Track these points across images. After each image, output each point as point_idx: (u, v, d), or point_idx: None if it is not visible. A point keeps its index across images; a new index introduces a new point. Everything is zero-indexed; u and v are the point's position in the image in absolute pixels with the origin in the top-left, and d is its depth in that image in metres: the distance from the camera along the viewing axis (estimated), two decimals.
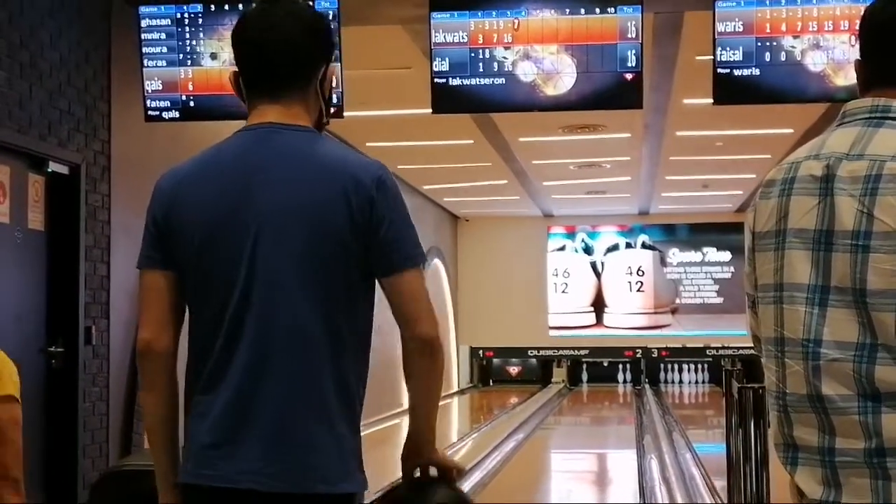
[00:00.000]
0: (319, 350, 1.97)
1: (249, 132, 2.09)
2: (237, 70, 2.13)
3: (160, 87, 5.89)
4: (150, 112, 5.94)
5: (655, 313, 18.52)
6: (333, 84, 2.19)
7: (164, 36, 5.85)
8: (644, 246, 18.64)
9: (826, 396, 1.78)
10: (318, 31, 2.12)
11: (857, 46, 1.98)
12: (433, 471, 2.14)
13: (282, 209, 1.98)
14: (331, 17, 5.68)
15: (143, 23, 5.87)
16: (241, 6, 5.78)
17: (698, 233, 18.39)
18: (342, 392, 2.01)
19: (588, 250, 18.80)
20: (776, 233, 1.88)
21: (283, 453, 1.96)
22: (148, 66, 5.88)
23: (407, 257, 2.01)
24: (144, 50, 5.87)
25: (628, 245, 18.64)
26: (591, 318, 18.65)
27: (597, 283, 18.72)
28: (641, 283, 18.56)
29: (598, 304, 18.68)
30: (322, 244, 1.97)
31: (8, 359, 2.65)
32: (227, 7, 5.81)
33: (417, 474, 2.15)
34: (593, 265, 18.77)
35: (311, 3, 1.98)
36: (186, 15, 5.83)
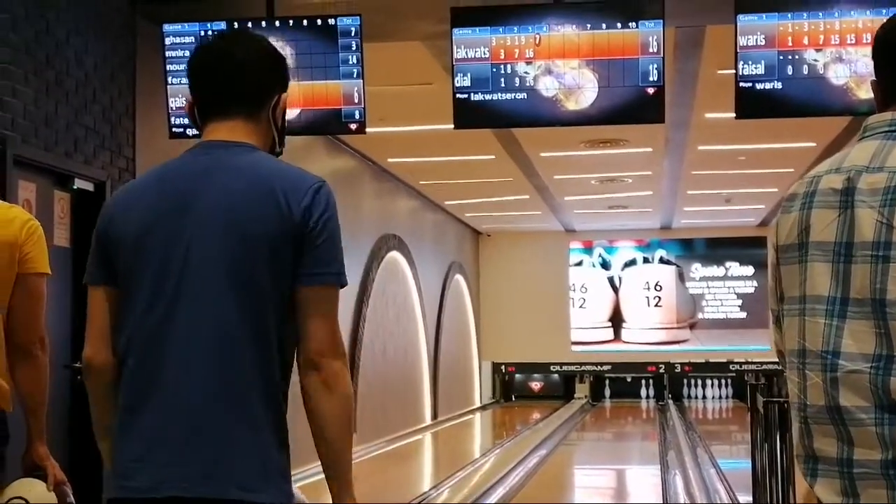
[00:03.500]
0: (245, 354, 1.97)
1: (195, 149, 2.14)
2: (191, 98, 2.17)
3: (184, 105, 5.94)
4: (174, 129, 5.99)
5: (673, 328, 18.46)
6: (286, 114, 2.21)
7: (188, 53, 5.89)
8: (662, 261, 18.60)
9: (844, 408, 1.80)
10: (270, 60, 2.17)
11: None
12: None
13: (214, 215, 2.00)
14: (353, 33, 5.72)
15: (168, 40, 5.92)
16: (263, 24, 5.83)
17: (717, 247, 18.33)
18: (269, 398, 1.99)
19: (605, 265, 18.78)
20: (798, 246, 1.91)
21: (198, 454, 1.94)
22: (172, 84, 5.92)
23: (324, 273, 2.01)
24: (169, 67, 5.92)
25: (646, 260, 18.61)
26: (609, 334, 18.61)
27: (614, 298, 18.69)
28: (659, 297, 18.51)
29: (616, 320, 18.64)
30: (254, 250, 1.98)
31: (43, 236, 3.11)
32: (249, 25, 5.85)
33: None
34: (611, 280, 18.74)
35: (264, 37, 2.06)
36: (210, 32, 5.87)
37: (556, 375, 18.52)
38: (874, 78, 1.99)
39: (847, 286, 1.82)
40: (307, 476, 8.47)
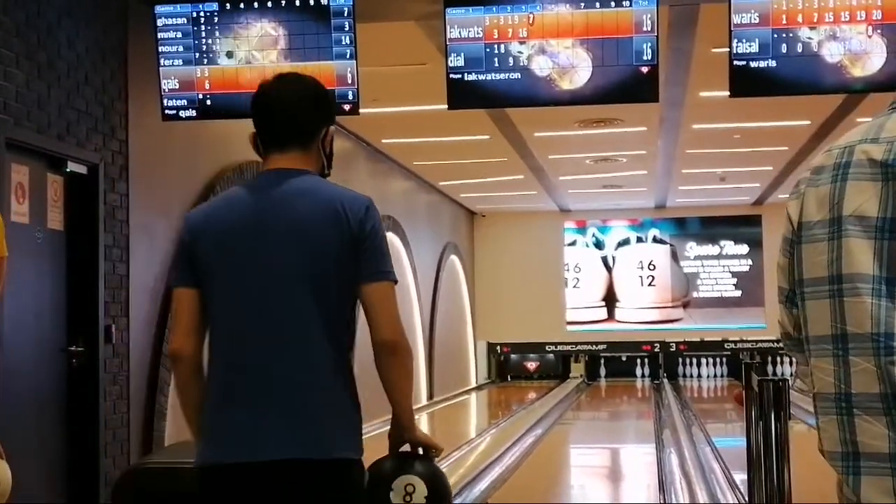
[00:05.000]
0: (321, 336, 2.40)
1: (262, 176, 2.55)
2: (255, 131, 2.58)
3: (177, 86, 5.92)
4: (167, 111, 5.97)
5: (667, 307, 18.49)
6: (333, 143, 2.64)
7: (180, 35, 5.87)
8: (655, 240, 18.62)
9: None
10: (318, 101, 2.59)
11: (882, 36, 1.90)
12: (420, 450, 2.57)
13: (289, 229, 2.42)
14: (346, 13, 5.70)
15: (160, 22, 5.89)
16: (256, 4, 5.80)
17: (711, 226, 18.35)
18: (341, 371, 2.44)
19: (599, 245, 18.79)
20: (830, 221, 1.75)
21: (289, 421, 2.36)
22: (164, 66, 5.90)
23: (382, 272, 2.44)
24: (161, 49, 5.90)
25: (639, 239, 18.62)
26: (603, 313, 18.64)
27: (608, 277, 18.71)
28: (653, 277, 18.53)
29: (610, 299, 18.67)
30: (323, 256, 2.41)
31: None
32: (242, 6, 5.82)
33: (405, 449, 2.55)
34: (604, 260, 18.76)
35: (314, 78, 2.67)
36: (202, 14, 5.85)
37: (551, 355, 18.56)
38: None
39: (893, 265, 1.67)
40: None
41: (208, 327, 2.48)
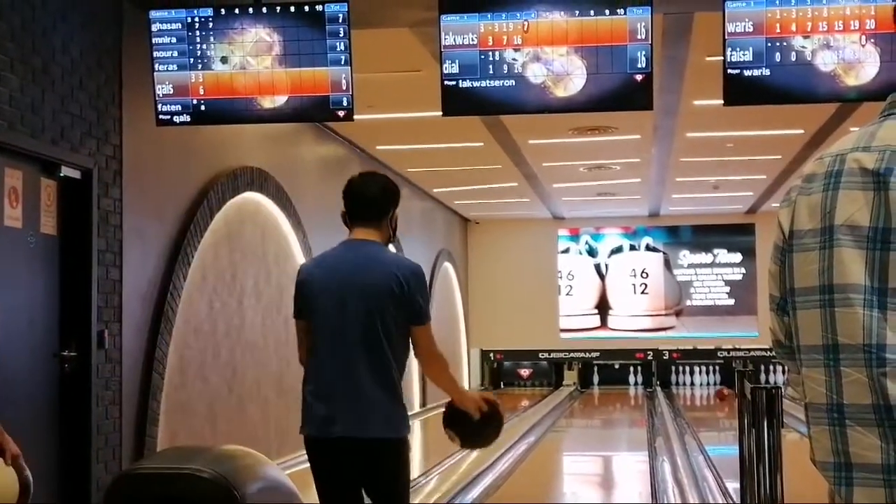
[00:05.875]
0: (382, 355, 3.69)
1: (349, 243, 3.83)
2: (344, 210, 3.85)
3: (171, 92, 5.91)
4: (161, 116, 5.96)
5: (660, 315, 18.50)
6: (398, 221, 3.93)
7: (174, 40, 5.87)
8: (648, 248, 18.63)
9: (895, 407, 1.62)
10: (389, 193, 3.85)
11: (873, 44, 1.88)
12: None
13: (361, 285, 3.69)
14: (340, 19, 5.70)
15: (154, 27, 5.89)
16: (251, 10, 5.80)
17: (704, 234, 18.37)
18: (394, 380, 3.73)
19: (592, 252, 18.80)
20: (821, 230, 1.72)
21: (358, 411, 3.66)
22: (159, 71, 5.90)
23: (420, 318, 3.77)
24: (155, 54, 5.89)
25: (632, 247, 18.64)
26: (596, 321, 18.65)
27: (601, 285, 18.72)
28: (646, 285, 18.55)
29: (603, 307, 18.67)
30: (382, 304, 3.68)
31: None
32: (237, 11, 5.82)
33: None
34: (597, 267, 18.77)
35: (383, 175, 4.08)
36: (197, 19, 5.85)
37: (544, 363, 18.55)
38: None
39: (884, 276, 1.64)
40: (297, 464, 8.48)
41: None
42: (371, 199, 3.78)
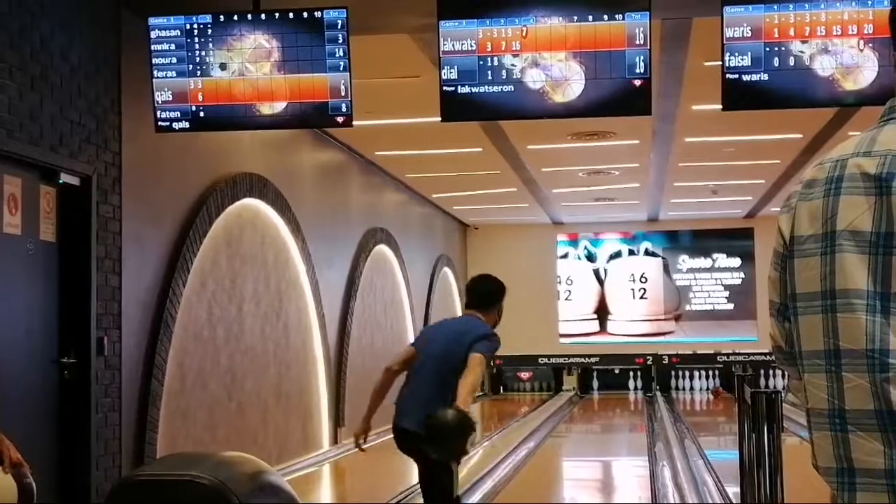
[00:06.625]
0: (445, 379, 4.85)
1: (464, 316, 5.40)
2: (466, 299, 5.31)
3: (170, 98, 5.91)
4: (160, 123, 5.96)
5: (659, 320, 18.49)
6: (503, 310, 5.33)
7: (173, 47, 5.87)
8: (647, 253, 18.63)
9: None
10: (499, 287, 5.30)
11: (872, 48, 1.86)
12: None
13: (446, 339, 5.04)
14: (339, 26, 5.71)
15: (153, 34, 5.89)
16: (249, 16, 5.81)
17: (702, 239, 18.37)
18: (446, 396, 4.80)
19: (591, 257, 18.80)
20: (823, 236, 1.72)
21: (422, 415, 4.78)
22: (158, 77, 5.90)
23: (479, 353, 4.95)
24: (154, 61, 5.90)
25: (631, 252, 18.64)
26: (595, 326, 18.64)
27: (600, 290, 18.71)
28: (644, 290, 18.54)
29: (602, 312, 18.66)
30: (456, 352, 4.91)
31: None
32: (235, 18, 5.83)
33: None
34: (596, 272, 18.76)
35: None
36: (196, 26, 5.85)
37: (544, 368, 18.54)
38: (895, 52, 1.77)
39: (887, 280, 1.64)
40: (297, 470, 8.47)
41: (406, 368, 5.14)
42: (486, 294, 5.29)
